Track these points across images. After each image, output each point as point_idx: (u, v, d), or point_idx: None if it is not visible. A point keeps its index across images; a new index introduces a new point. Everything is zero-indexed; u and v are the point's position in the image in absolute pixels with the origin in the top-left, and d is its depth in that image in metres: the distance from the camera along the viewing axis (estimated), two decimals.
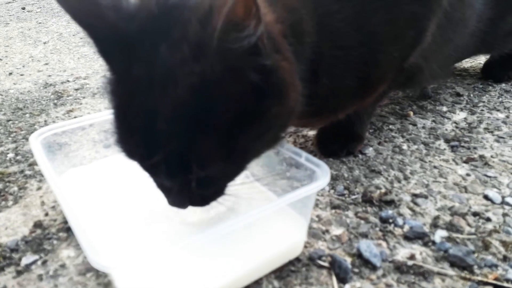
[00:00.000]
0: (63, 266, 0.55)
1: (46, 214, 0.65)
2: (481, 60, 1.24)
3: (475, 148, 0.79)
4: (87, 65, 1.39)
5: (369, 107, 0.78)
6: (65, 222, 0.63)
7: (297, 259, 0.55)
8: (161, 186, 0.52)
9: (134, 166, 0.49)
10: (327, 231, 0.60)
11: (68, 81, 1.26)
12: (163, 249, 0.40)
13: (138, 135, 0.45)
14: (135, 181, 0.64)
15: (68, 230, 0.61)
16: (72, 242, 0.59)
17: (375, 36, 0.62)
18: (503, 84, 1.09)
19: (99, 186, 0.65)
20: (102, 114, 0.74)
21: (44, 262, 0.56)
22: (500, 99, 1.01)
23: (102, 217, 0.57)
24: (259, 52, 0.43)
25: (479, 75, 1.15)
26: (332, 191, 0.69)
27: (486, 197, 0.65)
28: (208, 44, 0.40)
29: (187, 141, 0.44)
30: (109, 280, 0.52)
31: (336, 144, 0.77)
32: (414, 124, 0.90)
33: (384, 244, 0.57)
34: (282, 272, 0.53)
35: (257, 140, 0.49)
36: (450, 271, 0.52)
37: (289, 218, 0.56)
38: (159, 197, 0.54)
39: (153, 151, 0.45)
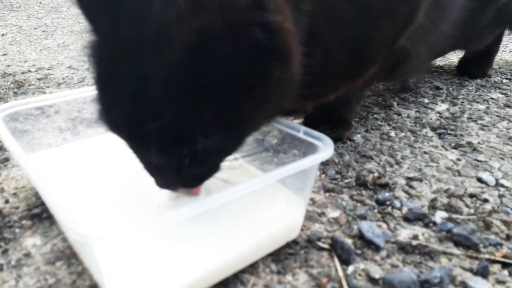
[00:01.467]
0: (27, 255, 0.48)
1: (7, 202, 0.58)
2: (453, 59, 1.27)
3: (461, 135, 0.79)
4: (51, 57, 1.30)
5: (357, 92, 0.75)
6: (29, 209, 0.55)
7: (295, 242, 0.50)
8: (148, 165, 0.46)
9: (106, 150, 0.43)
10: (323, 213, 0.56)
11: (29, 71, 1.16)
12: (149, 223, 0.35)
13: (127, 103, 0.40)
14: (110, 164, 0.58)
15: (33, 217, 0.54)
16: (38, 230, 0.52)
17: (370, 10, 0.60)
18: (478, 80, 1.11)
19: (69, 168, 0.58)
20: (71, 92, 0.67)
21: (5, 252, 0.48)
22: (478, 92, 1.02)
23: (75, 198, 0.50)
24: (264, 6, 0.39)
25: (455, 72, 1.17)
26: (323, 175, 0.65)
27: (480, 180, 0.64)
28: None
29: (182, 108, 0.39)
30: (83, 268, 0.46)
31: (325, 129, 0.74)
32: (399, 114, 0.88)
33: (384, 225, 0.54)
34: (279, 255, 0.48)
35: (259, 108, 0.44)
36: (456, 250, 0.50)
37: (284, 197, 0.51)
38: (138, 179, 0.49)
39: (144, 120, 0.39)
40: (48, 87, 1.04)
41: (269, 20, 0.40)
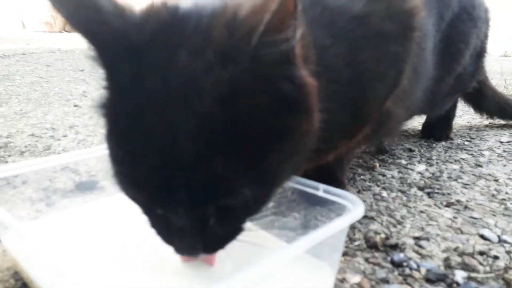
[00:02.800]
0: None
1: None
2: (414, 124, 1.35)
3: (449, 194, 0.80)
4: (8, 124, 1.21)
5: (349, 152, 0.76)
6: None
7: None
8: (167, 228, 0.41)
9: (96, 219, 0.38)
10: (344, 279, 0.52)
11: None
12: None
13: (155, 157, 0.36)
14: (106, 234, 0.52)
15: None
16: None
17: (364, 73, 0.62)
18: (443, 142, 1.17)
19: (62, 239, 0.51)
20: (40, 161, 0.61)
21: None
22: (448, 153, 1.07)
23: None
24: (291, 61, 0.39)
25: (420, 135, 1.23)
26: None
27: (482, 237, 0.64)
28: (238, 49, 0.35)
29: (213, 160, 0.36)
30: None
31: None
32: (383, 175, 0.90)
33: None
34: None
35: (286, 161, 0.42)
36: None
37: (311, 267, 0.48)
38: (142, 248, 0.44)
39: (174, 175, 0.36)
40: (9, 155, 0.95)
41: (296, 74, 0.40)
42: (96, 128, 1.19)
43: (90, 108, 1.46)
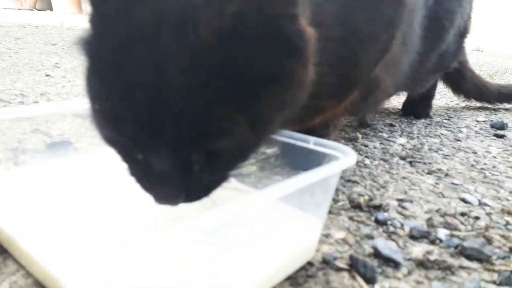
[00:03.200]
0: None
1: None
2: (394, 103, 1.35)
3: (430, 163, 0.81)
4: None
5: (334, 119, 0.75)
6: None
7: (309, 263, 0.45)
8: (148, 174, 0.39)
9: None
10: (328, 235, 0.51)
11: None
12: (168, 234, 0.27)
13: (141, 92, 0.34)
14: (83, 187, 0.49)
15: None
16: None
17: (356, 33, 0.61)
18: (423, 120, 1.18)
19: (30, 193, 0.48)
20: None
21: None
22: (428, 129, 1.08)
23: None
24: (294, 2, 0.37)
25: (400, 113, 1.24)
26: None
27: (463, 200, 0.64)
28: None
29: (204, 98, 0.34)
30: None
31: None
32: (366, 145, 0.89)
33: (393, 244, 0.50)
34: (297, 279, 0.42)
35: (279, 109, 0.40)
36: (472, 264, 0.48)
37: (297, 219, 0.46)
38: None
39: (159, 112, 0.34)
40: None
41: (298, 15, 0.38)
42: (69, 97, 1.14)
43: (63, 78, 1.40)
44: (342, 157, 0.44)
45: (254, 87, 0.36)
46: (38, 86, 1.25)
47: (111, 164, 0.43)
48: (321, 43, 0.56)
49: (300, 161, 0.51)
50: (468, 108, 1.41)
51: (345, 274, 0.44)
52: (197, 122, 0.34)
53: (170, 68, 0.33)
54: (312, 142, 0.48)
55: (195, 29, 0.33)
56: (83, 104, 0.58)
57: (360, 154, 0.83)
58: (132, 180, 0.41)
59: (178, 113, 0.34)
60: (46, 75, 1.41)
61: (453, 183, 0.71)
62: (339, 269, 0.44)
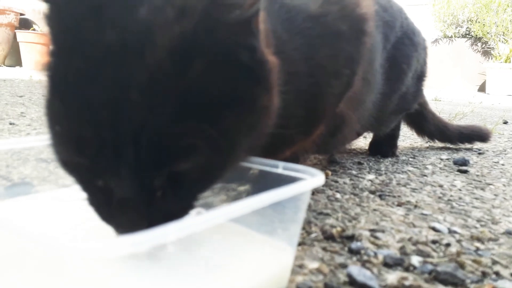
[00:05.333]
0: None
1: None
2: (360, 144, 1.39)
3: (399, 196, 0.82)
4: None
5: (304, 153, 0.76)
6: None
7: None
8: (108, 201, 0.37)
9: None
10: (302, 265, 0.50)
11: None
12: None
13: (103, 111, 0.34)
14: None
15: None
16: None
17: (320, 68, 0.64)
18: (389, 158, 1.21)
19: None
20: None
21: None
22: (395, 166, 1.10)
23: None
24: (253, 32, 0.39)
25: (367, 152, 1.27)
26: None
27: (434, 229, 0.65)
28: (194, 5, 0.35)
29: (164, 117, 0.34)
30: None
31: None
32: (336, 181, 0.90)
33: (368, 271, 0.50)
34: None
35: (244, 134, 0.41)
36: None
37: (269, 243, 0.45)
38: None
39: (120, 133, 0.33)
40: None
41: (257, 46, 0.40)
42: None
43: (28, 126, 1.37)
44: (310, 179, 0.44)
45: (215, 108, 0.37)
46: (1, 133, 1.21)
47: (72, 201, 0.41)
48: (285, 76, 0.58)
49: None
50: (431, 148, 1.46)
51: None
52: (158, 143, 0.34)
53: (130, 88, 0.33)
54: (281, 167, 0.48)
55: (152, 49, 0.34)
56: (43, 141, 0.56)
57: (331, 189, 0.83)
58: (91, 210, 0.40)
59: (138, 133, 0.33)
60: (10, 123, 1.38)
61: (422, 213, 0.72)
62: None
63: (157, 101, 0.34)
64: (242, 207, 0.33)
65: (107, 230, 0.38)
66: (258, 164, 0.49)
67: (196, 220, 0.30)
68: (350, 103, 0.77)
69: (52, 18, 0.38)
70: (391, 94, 1.06)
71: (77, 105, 0.35)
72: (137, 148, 0.34)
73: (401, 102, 1.14)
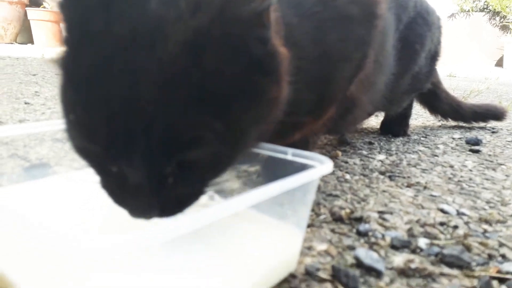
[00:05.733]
0: None
1: None
2: (372, 123, 1.38)
3: (409, 177, 0.82)
4: None
5: (314, 135, 0.76)
6: None
7: (292, 275, 0.45)
8: (121, 186, 0.38)
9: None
10: (310, 247, 0.51)
11: None
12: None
13: (115, 103, 0.35)
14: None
15: None
16: None
17: (330, 52, 0.63)
18: (401, 138, 1.21)
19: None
20: None
21: None
22: (406, 146, 1.10)
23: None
24: (265, 24, 0.39)
25: (378, 132, 1.26)
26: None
27: (442, 211, 0.66)
28: (208, 0, 0.35)
29: (176, 108, 0.35)
30: None
31: None
32: (346, 162, 0.90)
33: (375, 254, 0.51)
34: None
35: (253, 124, 0.41)
36: (452, 271, 0.48)
37: (278, 227, 0.46)
38: None
39: (132, 122, 0.34)
40: None
41: (268, 38, 0.40)
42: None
43: (42, 105, 1.39)
44: (319, 166, 0.44)
45: (225, 99, 0.37)
46: (17, 113, 1.24)
47: (90, 184, 0.43)
48: (295, 62, 0.58)
49: (280, 173, 0.52)
50: (444, 126, 1.44)
51: (328, 285, 0.44)
52: (169, 132, 0.35)
53: (141, 79, 0.34)
54: (290, 154, 0.48)
55: (164, 42, 0.34)
56: (60, 124, 0.58)
57: (341, 170, 0.84)
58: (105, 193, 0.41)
59: (150, 123, 0.34)
60: (26, 103, 1.40)
61: (431, 195, 0.72)
62: (321, 280, 0.44)
63: (168, 93, 0.34)
64: (257, 196, 0.34)
65: (122, 214, 0.40)
66: (268, 150, 0.50)
67: (213, 211, 0.31)
68: (361, 85, 0.76)
69: (64, 7, 0.38)
70: (404, 74, 1.05)
71: (90, 96, 0.36)
72: (148, 137, 0.35)
73: (413, 82, 1.12)
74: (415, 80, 1.12)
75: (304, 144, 0.74)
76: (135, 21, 0.35)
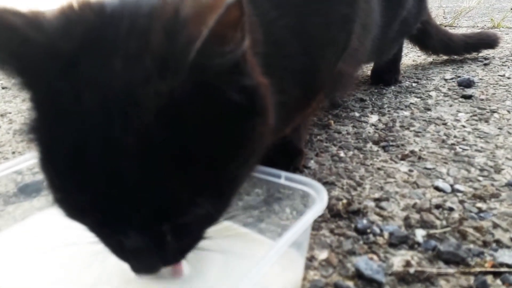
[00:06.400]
0: None
1: None
2: (364, 69, 1.35)
3: (402, 145, 0.82)
4: None
5: (305, 120, 0.75)
6: None
7: None
8: (121, 250, 0.39)
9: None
10: (312, 257, 0.53)
11: None
12: None
13: (99, 183, 0.33)
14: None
15: None
16: None
17: (314, 41, 0.60)
18: (393, 87, 1.18)
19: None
20: None
21: None
22: (398, 99, 1.09)
23: None
24: (242, 70, 0.35)
25: (369, 81, 1.24)
26: (294, 212, 0.62)
27: (437, 188, 0.67)
28: (178, 58, 0.31)
29: (161, 181, 0.34)
30: None
31: (281, 163, 0.71)
32: (339, 132, 0.90)
33: (375, 257, 0.53)
34: None
35: (243, 167, 0.40)
36: (449, 269, 0.50)
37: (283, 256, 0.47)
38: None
39: (119, 200, 0.33)
40: None
41: (247, 83, 0.37)
42: None
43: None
44: (311, 192, 0.44)
45: (211, 158, 0.36)
46: None
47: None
48: (280, 62, 0.55)
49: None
50: (435, 63, 1.41)
51: None
52: (158, 205, 0.34)
53: (121, 155, 0.32)
54: (283, 178, 0.48)
55: (136, 111, 0.31)
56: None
57: (334, 145, 0.84)
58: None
59: (137, 198, 0.33)
60: (3, 88, 1.35)
61: (425, 168, 0.73)
62: None
63: (150, 166, 0.33)
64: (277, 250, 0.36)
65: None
66: (261, 174, 0.49)
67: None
68: (348, 59, 0.73)
69: (22, 79, 0.35)
70: (391, 23, 1.00)
71: (70, 178, 0.34)
72: (138, 212, 0.34)
73: (402, 27, 1.08)
74: (403, 25, 1.08)
75: (296, 133, 0.73)
76: (104, 88, 0.32)
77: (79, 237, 0.39)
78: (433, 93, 1.11)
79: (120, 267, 0.40)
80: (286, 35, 0.55)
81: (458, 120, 0.93)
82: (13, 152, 0.88)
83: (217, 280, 0.44)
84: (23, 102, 1.19)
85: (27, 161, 0.61)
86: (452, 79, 1.22)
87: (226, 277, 0.45)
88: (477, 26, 1.99)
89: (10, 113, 1.12)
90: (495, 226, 0.57)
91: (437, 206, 0.62)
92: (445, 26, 1.93)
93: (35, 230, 0.58)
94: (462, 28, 1.97)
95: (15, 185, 0.74)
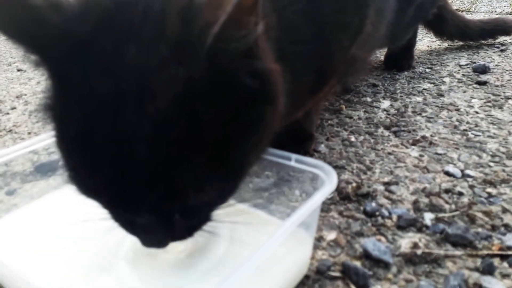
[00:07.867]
0: None
1: None
2: (377, 54, 1.33)
3: (414, 130, 0.82)
4: None
5: (317, 105, 0.75)
6: None
7: (305, 276, 0.48)
8: (131, 224, 0.40)
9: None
10: (321, 237, 0.54)
11: None
12: None
13: (112, 165, 0.34)
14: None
15: None
16: None
17: (327, 26, 0.60)
18: (406, 72, 1.17)
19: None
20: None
21: None
22: (411, 84, 1.08)
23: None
24: (254, 54, 0.36)
25: (382, 66, 1.23)
26: (304, 194, 0.63)
27: (447, 173, 0.67)
28: (195, 43, 0.32)
29: (175, 163, 0.34)
30: None
31: (292, 146, 0.72)
32: (350, 117, 0.90)
33: (383, 239, 0.53)
34: None
35: (253, 151, 0.41)
36: (456, 251, 0.51)
37: (291, 235, 0.48)
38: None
39: (132, 181, 0.34)
40: None
41: (259, 67, 0.37)
42: None
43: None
44: (321, 174, 0.45)
45: (223, 143, 0.37)
46: (12, 86, 1.22)
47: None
48: (293, 47, 0.55)
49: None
50: (450, 48, 1.39)
51: (340, 283, 0.47)
52: (170, 188, 0.35)
53: (135, 140, 0.33)
54: (293, 160, 0.49)
55: (151, 98, 0.32)
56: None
57: (345, 130, 0.84)
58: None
59: (150, 180, 0.34)
60: (18, 70, 1.37)
61: (436, 153, 0.73)
62: (333, 278, 0.47)
63: (165, 151, 0.34)
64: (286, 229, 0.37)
65: None
66: (272, 156, 0.50)
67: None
68: (362, 44, 0.73)
69: (38, 58, 0.36)
70: (407, 8, 0.99)
71: (84, 158, 0.35)
72: (150, 193, 0.35)
73: (417, 12, 1.06)
74: (419, 10, 1.06)
75: (307, 117, 0.73)
76: (118, 76, 0.33)
77: (93, 214, 0.40)
78: (446, 79, 1.10)
79: (132, 242, 0.42)
80: (299, 20, 0.55)
81: (471, 106, 0.92)
82: (29, 133, 0.90)
83: (225, 259, 0.45)
84: (38, 84, 1.21)
85: (43, 141, 0.63)
86: (467, 65, 1.20)
87: (233, 256, 0.46)
88: (495, 12, 1.94)
89: (25, 94, 1.14)
90: (504, 211, 0.57)
91: (447, 191, 0.62)
92: (462, 11, 1.89)
93: (51, 207, 0.60)
94: (480, 13, 1.93)
95: (32, 164, 0.76)
